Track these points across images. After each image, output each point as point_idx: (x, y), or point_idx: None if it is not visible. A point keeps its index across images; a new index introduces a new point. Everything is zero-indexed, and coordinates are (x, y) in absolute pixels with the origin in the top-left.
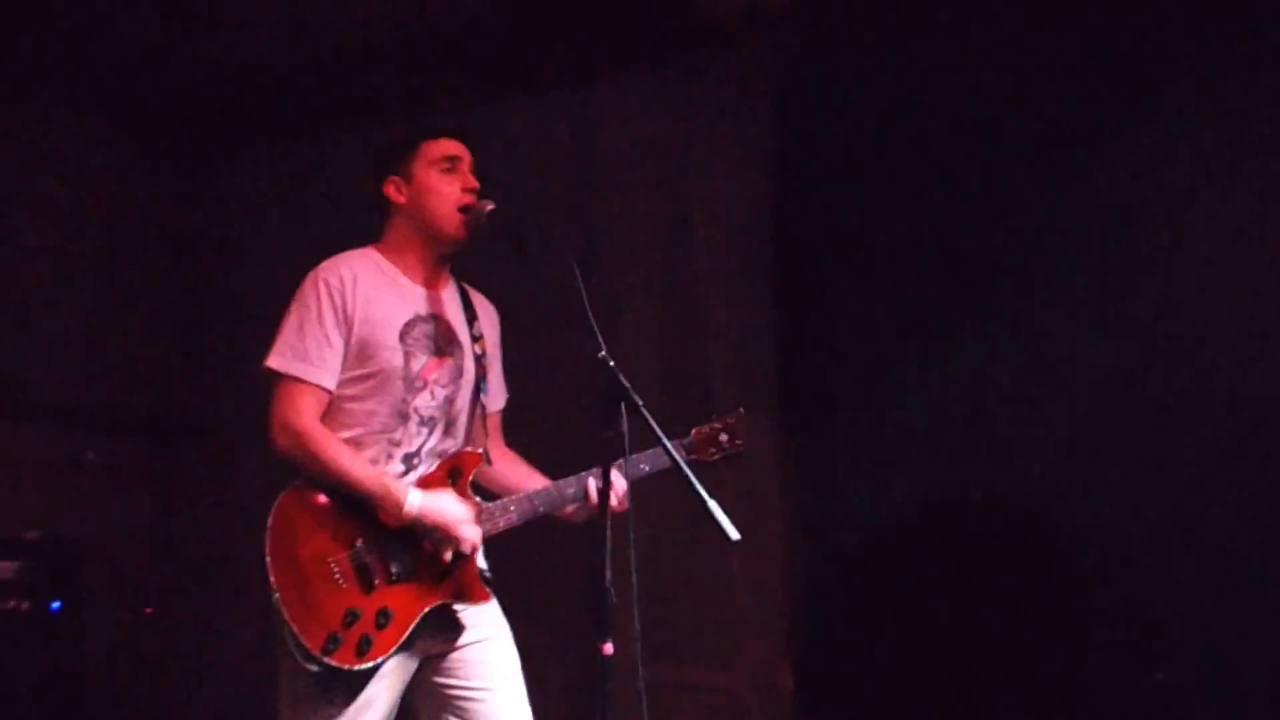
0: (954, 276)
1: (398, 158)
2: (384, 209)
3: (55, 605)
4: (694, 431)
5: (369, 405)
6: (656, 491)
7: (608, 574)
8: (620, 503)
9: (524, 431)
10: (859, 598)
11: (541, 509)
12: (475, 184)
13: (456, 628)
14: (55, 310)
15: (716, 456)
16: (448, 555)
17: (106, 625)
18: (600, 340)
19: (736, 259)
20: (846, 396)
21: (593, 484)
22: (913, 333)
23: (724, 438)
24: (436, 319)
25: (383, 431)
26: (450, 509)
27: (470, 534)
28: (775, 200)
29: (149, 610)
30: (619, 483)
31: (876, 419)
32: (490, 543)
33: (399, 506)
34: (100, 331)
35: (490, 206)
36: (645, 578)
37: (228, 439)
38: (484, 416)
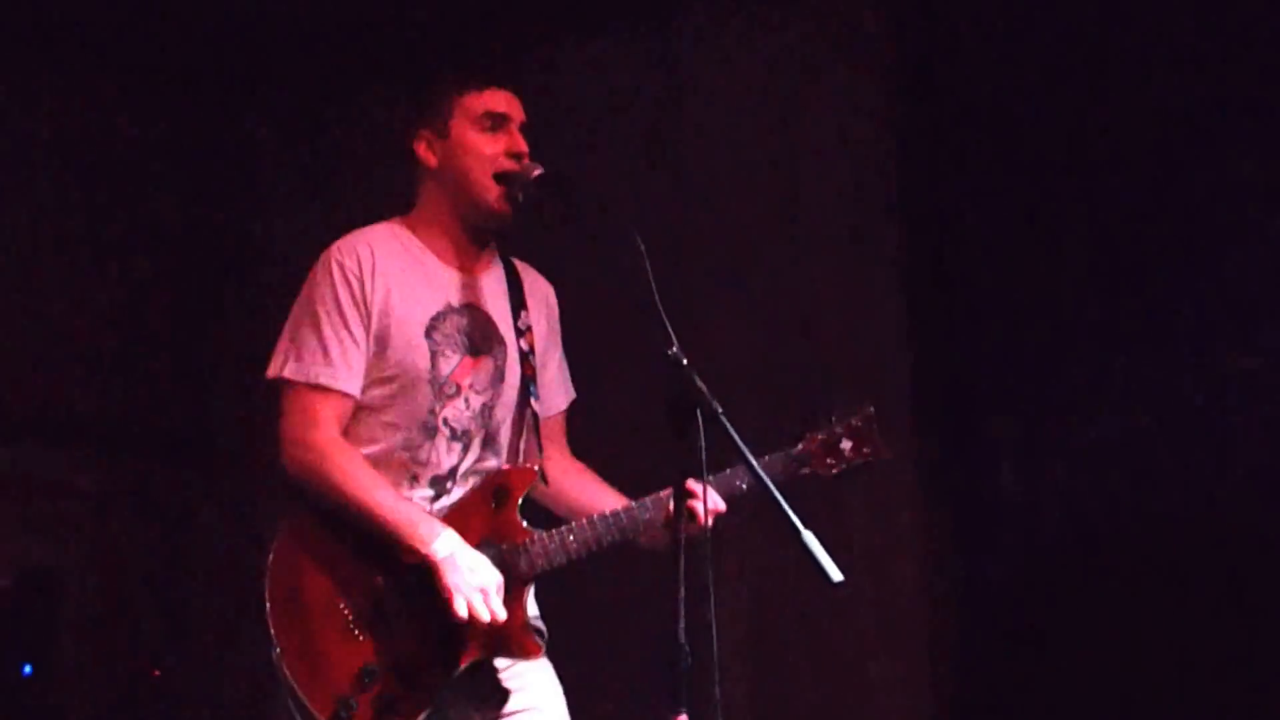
0: (1137, 244)
1: (433, 108)
2: (414, 172)
3: (26, 669)
4: (807, 437)
5: (388, 417)
6: (761, 522)
7: (681, 627)
8: (706, 519)
9: (585, 444)
10: (1023, 652)
11: (608, 538)
12: (523, 147)
13: (497, 692)
14: (38, 307)
15: (838, 469)
16: (462, 617)
17: (93, 691)
18: (670, 334)
19: (852, 225)
20: (1000, 392)
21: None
22: (1085, 313)
23: (847, 445)
24: (473, 310)
25: (405, 449)
26: (484, 572)
27: (497, 610)
28: (900, 154)
29: (155, 673)
30: (713, 499)
31: (1038, 421)
32: (544, 582)
33: (424, 552)
34: (91, 333)
35: (537, 171)
36: (742, 632)
37: (248, 459)
38: (537, 425)
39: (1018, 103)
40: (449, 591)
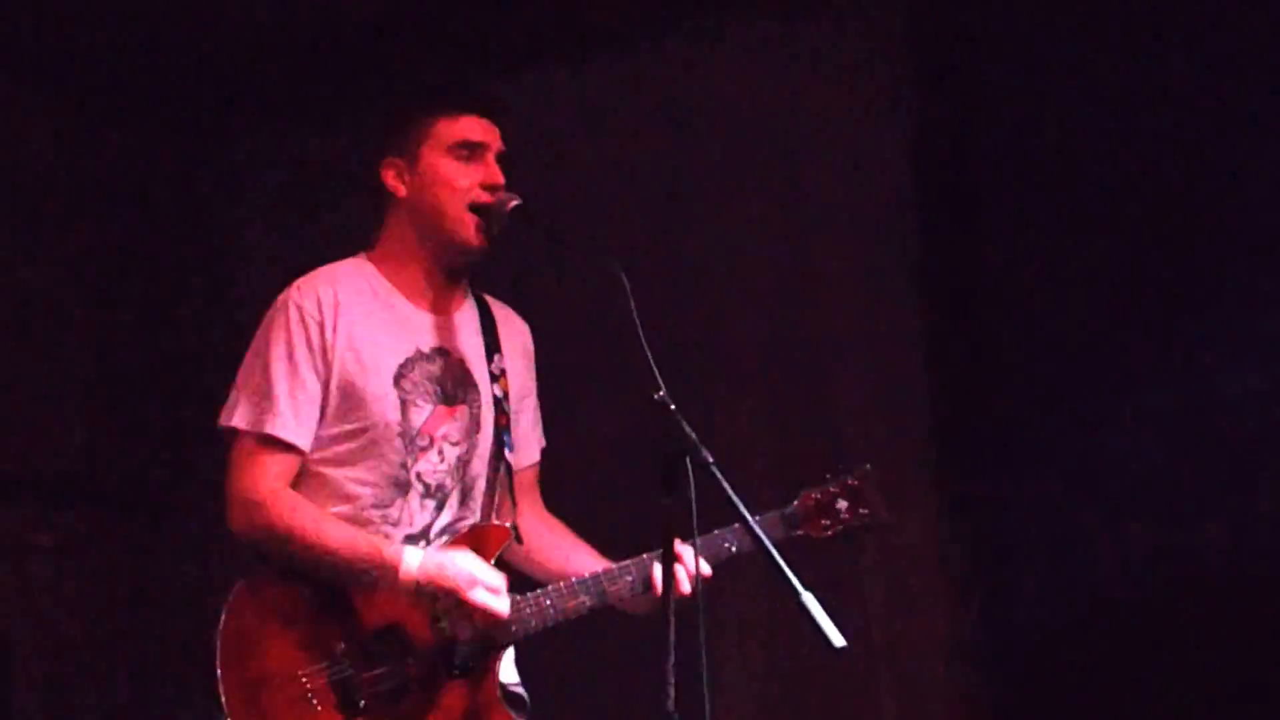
0: (1174, 266)
1: (403, 136)
2: (381, 204)
3: None
4: (802, 497)
5: (356, 473)
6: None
7: (670, 696)
8: (687, 584)
9: (560, 498)
10: (1051, 713)
11: (588, 604)
12: (499, 179)
13: None
14: None
15: (832, 531)
16: (466, 633)
17: None
18: (657, 375)
19: (868, 256)
20: (1030, 434)
21: (657, 570)
22: (1120, 341)
23: (843, 505)
24: (445, 354)
25: (375, 507)
26: (465, 566)
27: (492, 602)
28: (920, 179)
29: None
30: (693, 564)
31: (1073, 463)
32: (520, 648)
33: (394, 571)
34: (51, 382)
35: (514, 203)
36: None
37: (210, 513)
38: (510, 478)
39: (1053, 129)
40: (449, 605)
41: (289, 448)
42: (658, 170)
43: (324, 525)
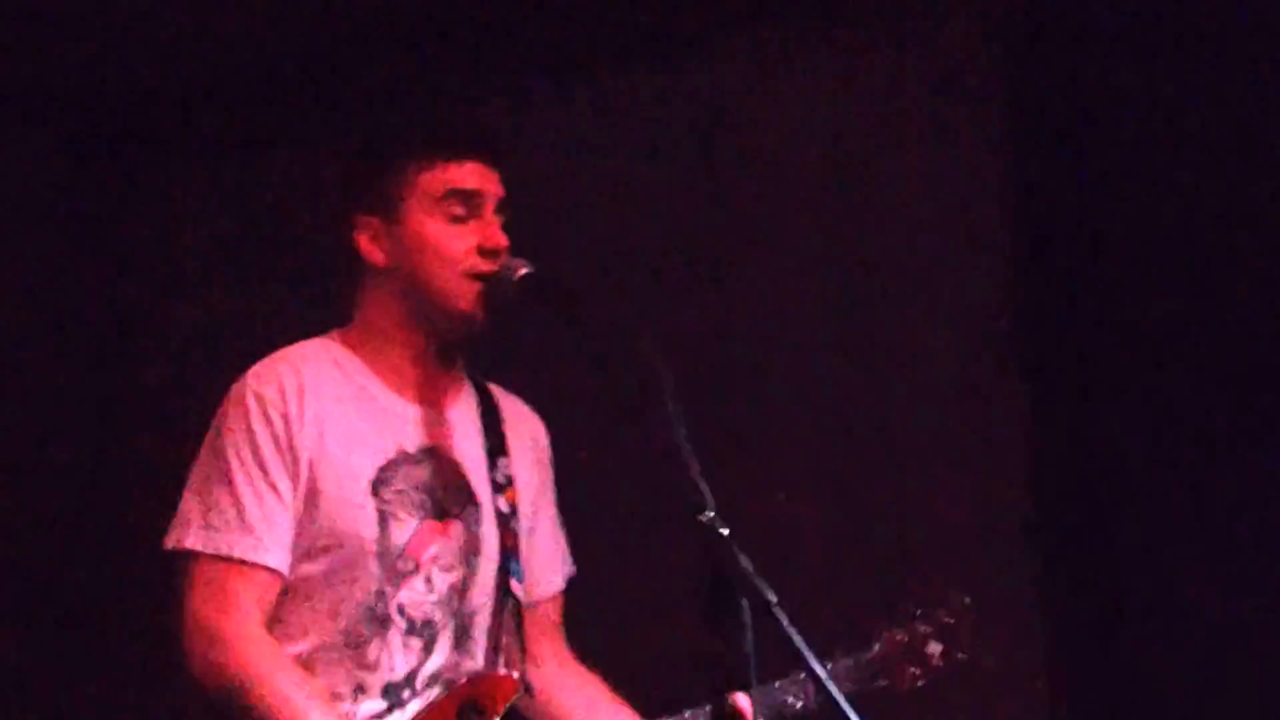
0: None
1: (376, 185)
2: (354, 271)
3: None
4: (884, 639)
5: (321, 603)
6: None
7: None
8: None
9: (587, 639)
10: None
11: None
12: (502, 239)
13: None
14: None
15: (922, 679)
16: None
17: None
18: (705, 492)
19: (952, 321)
20: (1157, 552)
21: None
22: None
23: (935, 649)
24: (436, 457)
25: (348, 645)
26: None
27: None
28: (1018, 230)
29: None
30: None
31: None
32: None
33: None
34: None
35: (523, 271)
36: None
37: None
38: (518, 613)
39: (1169, 165)
40: None
41: (265, 572)
42: (695, 213)
43: (274, 681)
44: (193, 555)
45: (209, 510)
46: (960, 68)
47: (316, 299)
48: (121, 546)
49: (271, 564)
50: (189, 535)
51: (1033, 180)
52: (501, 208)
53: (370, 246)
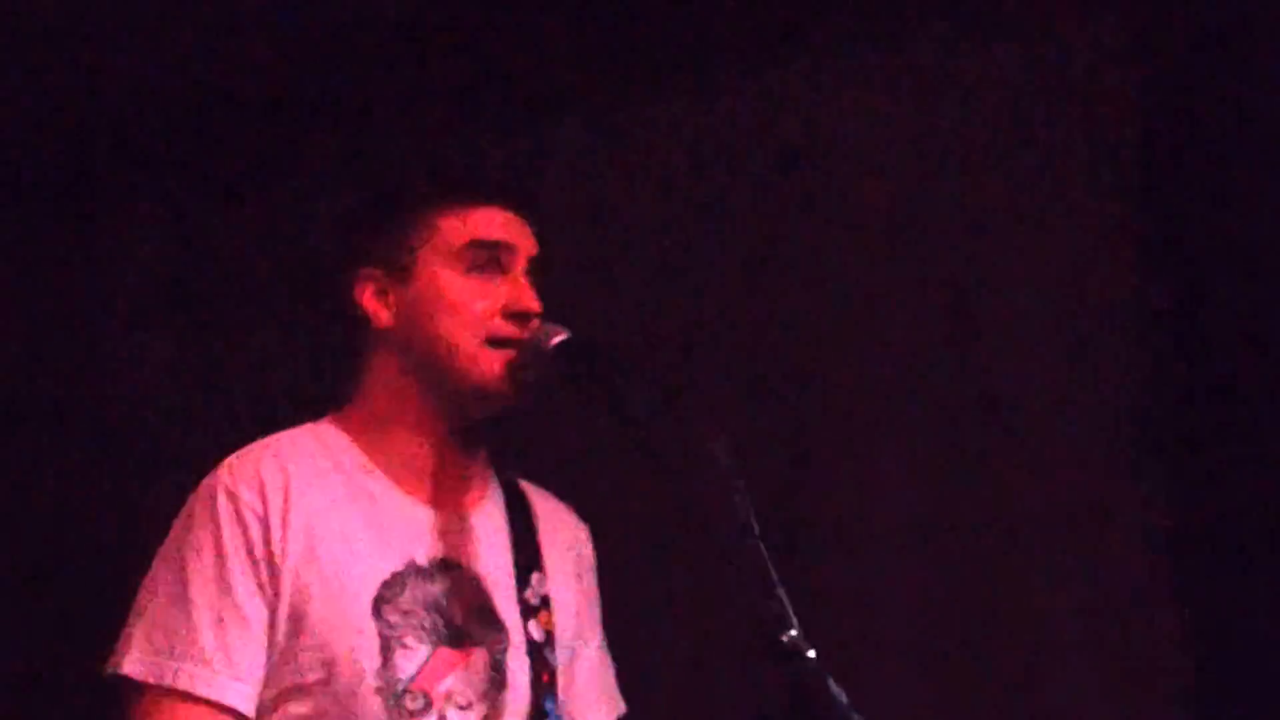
0: None
1: (385, 234)
2: (354, 338)
3: None
4: None
5: None
6: None
7: None
8: None
9: None
10: None
11: None
12: (534, 302)
13: None
14: None
15: None
16: None
17: None
18: (787, 608)
19: (1075, 373)
20: None
21: None
22: None
23: None
24: (455, 571)
25: None
26: None
27: None
28: (1142, 263)
29: None
30: None
31: None
32: None
33: None
34: None
35: (558, 338)
36: None
37: None
38: None
39: None
40: None
41: (222, 712)
42: (763, 260)
43: None
44: (135, 685)
45: (158, 631)
46: (1074, 60)
47: (306, 374)
48: (50, 668)
49: (232, 702)
50: (131, 660)
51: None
52: (534, 267)
53: (375, 304)
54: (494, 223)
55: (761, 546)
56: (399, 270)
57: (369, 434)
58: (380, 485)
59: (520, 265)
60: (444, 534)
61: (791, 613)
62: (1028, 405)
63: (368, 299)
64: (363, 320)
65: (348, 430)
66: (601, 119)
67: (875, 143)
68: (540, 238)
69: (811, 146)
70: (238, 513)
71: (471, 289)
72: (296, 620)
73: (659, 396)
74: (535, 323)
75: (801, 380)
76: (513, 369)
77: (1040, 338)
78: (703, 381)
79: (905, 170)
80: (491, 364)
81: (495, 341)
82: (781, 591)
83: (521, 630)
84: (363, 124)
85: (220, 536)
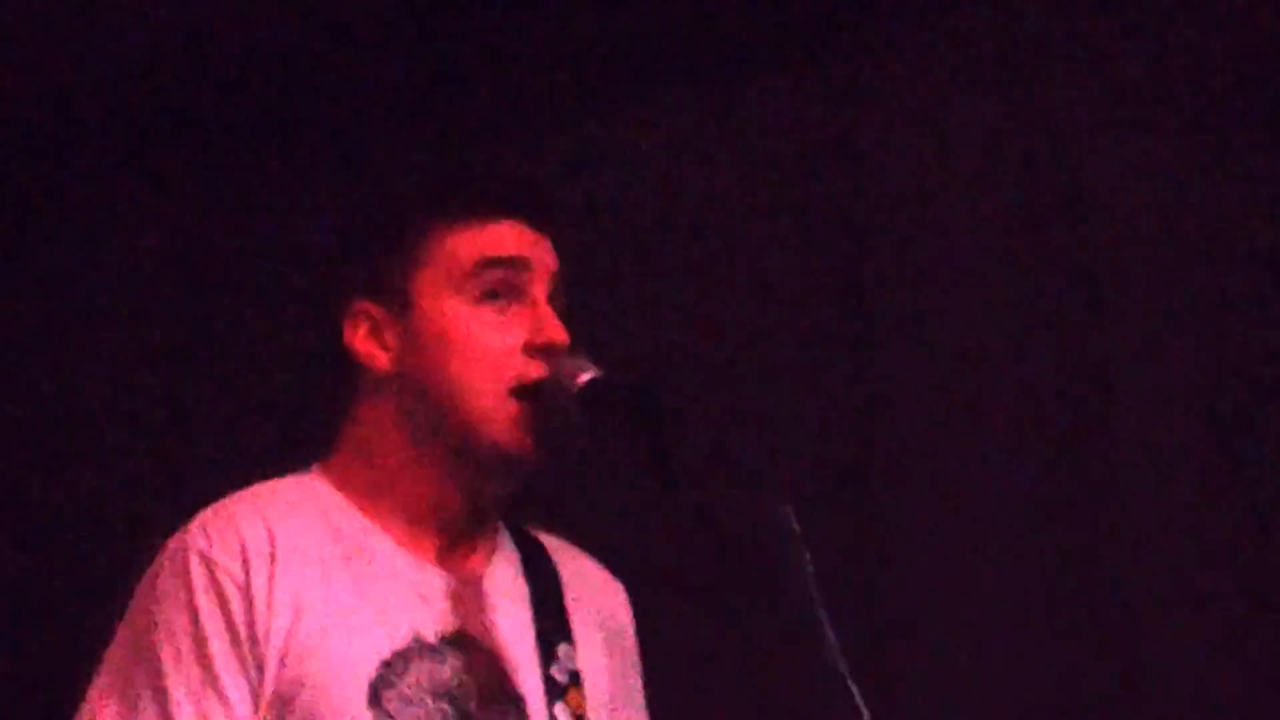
0: None
1: (381, 256)
2: (344, 379)
3: None
4: None
5: None
6: None
7: None
8: None
9: None
10: None
11: None
12: (559, 332)
13: None
14: None
15: None
16: None
17: None
18: (856, 698)
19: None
20: None
21: None
22: None
23: None
24: (466, 646)
25: None
26: None
27: None
28: None
29: None
30: None
31: None
32: None
33: None
34: None
35: (586, 376)
36: None
37: None
38: None
39: None
40: None
41: None
42: (836, 278)
43: None
44: None
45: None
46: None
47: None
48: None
49: None
50: None
51: None
52: (557, 287)
53: (368, 344)
54: (507, 237)
55: (830, 631)
56: (397, 301)
57: (365, 488)
58: (381, 545)
59: (541, 287)
60: (455, 603)
61: (862, 705)
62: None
63: (360, 338)
64: (356, 361)
65: (340, 484)
66: (620, 117)
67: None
68: (562, 252)
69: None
70: (215, 583)
71: (484, 320)
72: (282, 707)
73: (709, 447)
74: (561, 357)
75: (883, 420)
76: (533, 421)
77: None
78: (756, 413)
79: (1009, 152)
80: (508, 418)
81: (520, 390)
82: (851, 683)
83: (547, 715)
84: (349, 130)
85: (197, 610)
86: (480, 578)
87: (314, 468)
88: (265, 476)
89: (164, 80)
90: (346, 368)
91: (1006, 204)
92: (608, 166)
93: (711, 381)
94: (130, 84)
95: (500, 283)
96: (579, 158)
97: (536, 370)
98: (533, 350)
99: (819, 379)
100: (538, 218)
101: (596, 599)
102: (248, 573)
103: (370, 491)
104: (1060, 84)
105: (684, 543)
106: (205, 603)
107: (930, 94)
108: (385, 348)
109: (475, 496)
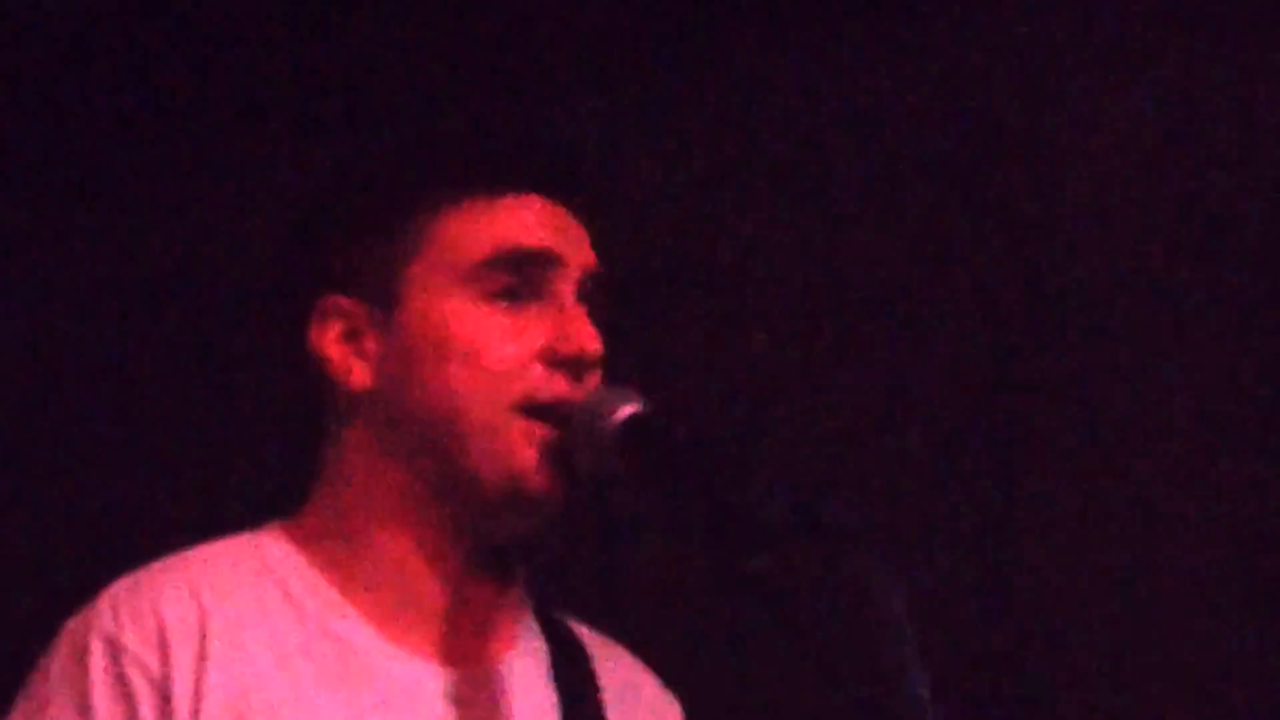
0: None
1: (358, 240)
2: (312, 401)
3: None
4: None
5: None
6: None
7: None
8: None
9: None
10: None
11: None
12: (592, 341)
13: None
14: None
15: None
16: None
17: None
18: None
19: None
20: None
21: None
22: None
23: None
24: None
25: None
26: None
27: None
28: None
29: None
30: None
31: None
32: None
33: None
34: None
35: (628, 408)
36: None
37: None
38: None
39: None
40: None
41: None
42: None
43: None
44: None
45: None
46: None
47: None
48: None
49: None
50: None
51: None
52: (593, 289)
53: (343, 353)
54: (527, 221)
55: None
56: (381, 300)
57: (336, 551)
58: (355, 630)
59: (570, 285)
60: (460, 706)
61: None
62: None
63: (332, 344)
64: (326, 377)
65: (303, 545)
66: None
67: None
68: (600, 244)
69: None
70: (120, 676)
71: (495, 325)
72: None
73: (790, 506)
74: (594, 378)
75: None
76: (555, 456)
77: None
78: (853, 458)
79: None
80: (526, 445)
81: (534, 408)
82: None
83: None
84: (325, 82)
85: (92, 714)
86: (491, 676)
87: (272, 525)
88: (207, 535)
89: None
90: (313, 384)
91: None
92: (670, 130)
93: (799, 418)
94: None
95: (517, 278)
96: (632, 120)
97: (557, 387)
98: (554, 360)
99: (950, 412)
100: (574, 195)
101: (642, 705)
102: (167, 664)
103: (344, 553)
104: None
105: (755, 630)
106: (104, 702)
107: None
108: (364, 357)
109: (479, 549)
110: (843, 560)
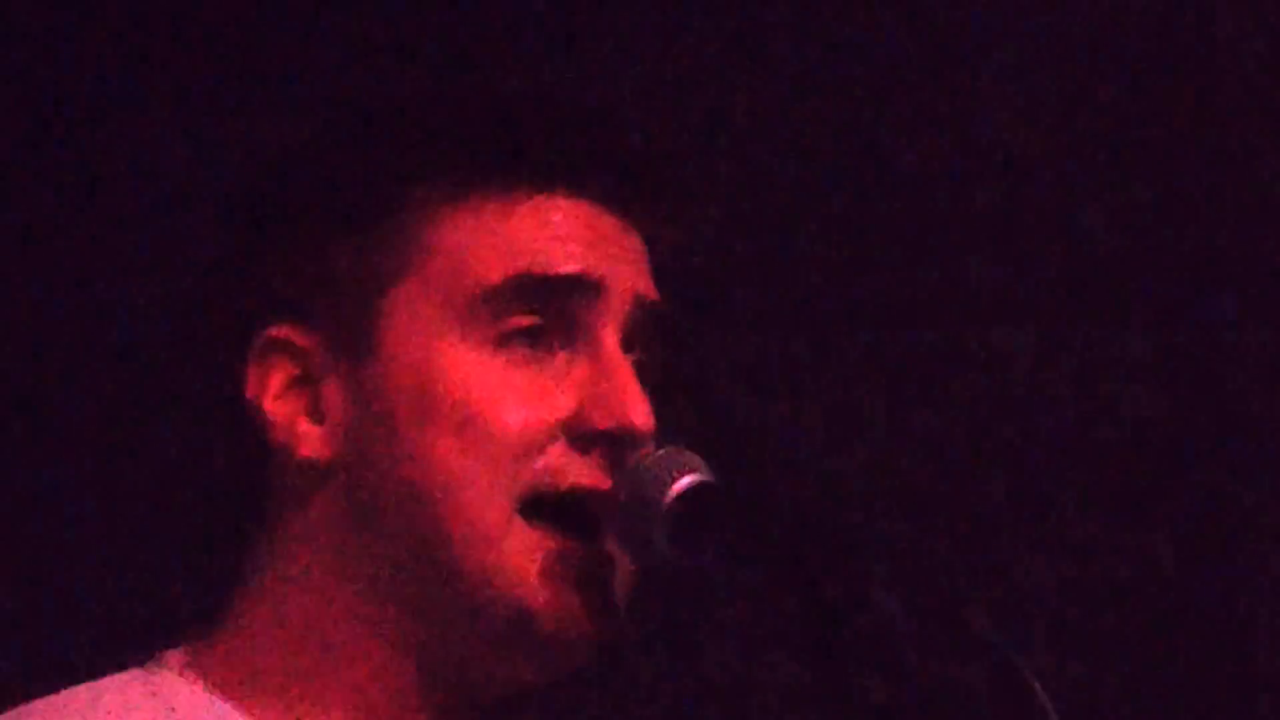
0: None
1: (313, 244)
2: (243, 474)
3: None
4: None
5: None
6: None
7: None
8: None
9: None
10: None
11: None
12: (641, 412)
13: None
14: None
15: None
16: None
17: None
18: None
19: None
20: None
21: None
22: None
23: None
24: None
25: None
26: None
27: None
28: None
29: None
30: None
31: None
32: None
33: None
34: None
35: (687, 478)
36: None
37: None
38: None
39: None
40: None
41: None
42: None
43: None
44: None
45: None
46: None
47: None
48: None
49: None
50: None
51: None
52: (646, 332)
53: (290, 409)
54: (559, 232)
55: None
56: (346, 336)
57: (266, 684)
58: None
59: (614, 325)
60: None
61: None
62: None
63: (275, 395)
64: (263, 441)
65: (220, 685)
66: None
67: None
68: (660, 265)
69: None
70: None
71: (504, 382)
72: None
73: (903, 604)
74: (640, 453)
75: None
76: (586, 574)
77: None
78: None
79: None
80: (528, 560)
81: (548, 506)
82: None
83: None
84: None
85: None
86: None
87: (171, 655)
88: (76, 672)
89: None
90: (242, 450)
91: None
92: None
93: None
94: None
95: (541, 318)
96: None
97: (581, 473)
98: (582, 435)
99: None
100: (628, 197)
101: None
102: None
103: (277, 693)
104: None
105: None
106: None
107: None
108: (319, 415)
109: (469, 701)
110: (1002, 682)
